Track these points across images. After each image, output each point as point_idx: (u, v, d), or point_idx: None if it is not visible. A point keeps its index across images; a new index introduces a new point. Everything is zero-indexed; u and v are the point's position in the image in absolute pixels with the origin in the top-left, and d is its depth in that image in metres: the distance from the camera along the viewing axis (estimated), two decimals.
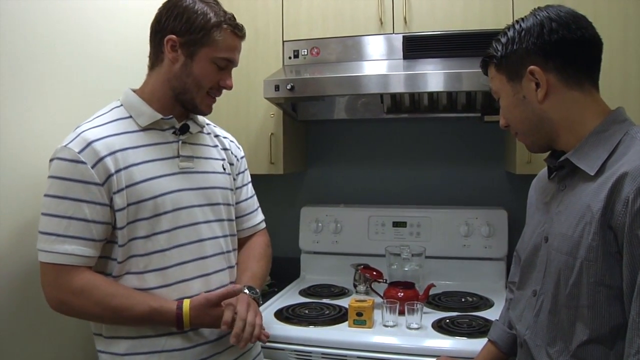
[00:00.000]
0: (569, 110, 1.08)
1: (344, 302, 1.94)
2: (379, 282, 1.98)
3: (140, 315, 1.26)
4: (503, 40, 1.12)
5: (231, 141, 1.59)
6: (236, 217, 1.54)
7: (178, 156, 1.37)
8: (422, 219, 2.26)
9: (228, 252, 1.45)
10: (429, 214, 2.26)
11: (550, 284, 1.09)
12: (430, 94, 2.14)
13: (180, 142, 1.38)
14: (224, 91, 1.43)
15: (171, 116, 1.37)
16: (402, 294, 1.84)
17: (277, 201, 2.49)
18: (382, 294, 1.90)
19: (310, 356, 1.66)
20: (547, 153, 1.20)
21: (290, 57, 2.15)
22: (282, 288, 2.20)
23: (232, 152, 1.56)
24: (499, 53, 1.13)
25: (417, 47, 2.02)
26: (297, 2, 2.14)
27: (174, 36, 1.31)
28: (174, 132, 1.38)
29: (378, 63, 2.06)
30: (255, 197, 1.64)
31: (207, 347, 1.35)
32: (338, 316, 1.83)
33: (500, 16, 1.93)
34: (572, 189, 1.09)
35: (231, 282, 1.43)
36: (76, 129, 1.30)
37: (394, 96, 2.19)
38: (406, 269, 2.07)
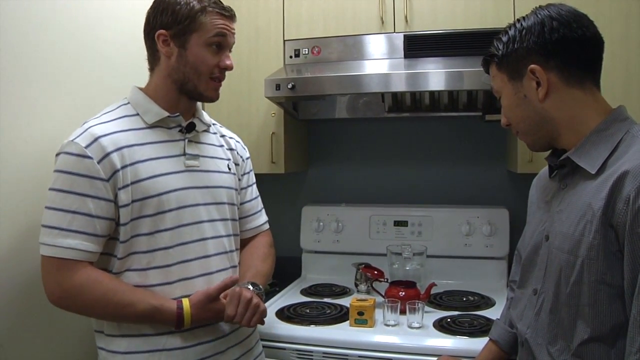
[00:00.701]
0: (570, 109, 1.08)
1: (345, 302, 1.94)
2: (380, 281, 1.98)
3: (141, 313, 1.26)
4: (504, 39, 1.12)
5: (237, 142, 1.59)
6: (240, 218, 1.54)
7: (184, 154, 1.37)
8: (424, 218, 2.26)
9: (231, 251, 1.45)
10: (431, 213, 2.26)
11: (551, 283, 1.09)
12: (432, 93, 2.14)
13: (186, 140, 1.39)
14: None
15: (178, 114, 1.37)
16: (403, 293, 1.84)
17: (278, 200, 2.49)
18: (383, 293, 1.90)
19: (312, 355, 1.66)
20: (549, 152, 1.20)
21: (291, 56, 2.15)
22: (283, 287, 2.20)
23: (237, 153, 1.56)
24: (500, 52, 1.13)
25: (418, 46, 2.02)
26: (298, 1, 2.14)
27: (163, 30, 1.33)
28: (180, 130, 1.39)
29: (379, 62, 2.06)
30: (259, 198, 1.65)
31: (208, 346, 1.35)
32: (339, 315, 1.83)
33: (501, 15, 1.92)
34: (573, 187, 1.09)
35: None
36: (83, 124, 1.31)
37: (395, 95, 2.19)
38: (407, 268, 2.07)
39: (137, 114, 1.36)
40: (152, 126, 1.35)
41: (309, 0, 2.13)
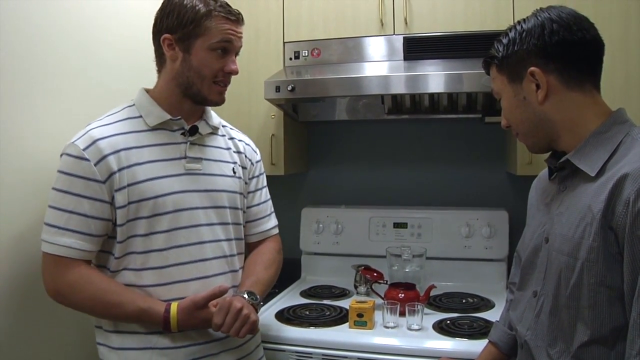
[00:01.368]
0: (569, 112, 1.08)
1: (344, 303, 1.94)
2: (380, 283, 1.98)
3: (129, 314, 1.29)
4: (504, 41, 1.12)
5: (247, 144, 1.57)
6: (247, 222, 1.54)
7: (185, 157, 1.37)
8: (423, 220, 2.26)
9: (231, 255, 1.44)
10: (430, 215, 2.26)
11: (551, 285, 1.09)
12: (431, 95, 2.14)
13: (188, 143, 1.38)
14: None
15: (179, 117, 1.37)
16: (402, 295, 1.84)
17: (278, 202, 2.45)
18: (382, 295, 1.90)
19: (311, 357, 1.66)
20: (548, 154, 1.20)
21: (291, 58, 2.16)
22: (283, 289, 2.19)
23: (246, 156, 1.54)
24: (500, 54, 1.13)
25: (417, 48, 2.02)
26: (298, 3, 2.14)
27: (168, 34, 1.33)
28: (182, 133, 1.39)
29: (379, 64, 2.06)
30: (270, 202, 1.63)
31: (199, 347, 1.35)
32: (339, 317, 1.83)
33: (501, 17, 1.93)
34: (573, 189, 1.09)
35: (233, 287, 1.43)
36: (86, 126, 1.33)
37: (394, 97, 2.19)
38: (407, 270, 2.07)
39: (140, 116, 1.36)
40: (154, 128, 1.36)
41: (308, 2, 2.13)
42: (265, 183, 1.62)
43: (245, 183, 1.53)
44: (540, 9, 1.11)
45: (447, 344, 1.62)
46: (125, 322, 1.32)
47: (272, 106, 2.15)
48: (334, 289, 2.20)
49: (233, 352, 1.41)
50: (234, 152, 1.51)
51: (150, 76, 1.43)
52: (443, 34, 2.01)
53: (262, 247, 1.58)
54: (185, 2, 1.33)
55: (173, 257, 1.33)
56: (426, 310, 1.83)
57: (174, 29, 1.32)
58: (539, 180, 1.30)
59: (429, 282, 1.96)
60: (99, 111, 1.40)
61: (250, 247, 1.55)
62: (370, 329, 1.72)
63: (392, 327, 1.73)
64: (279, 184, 2.43)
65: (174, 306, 1.29)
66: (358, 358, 1.62)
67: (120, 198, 1.28)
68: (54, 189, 1.28)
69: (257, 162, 1.59)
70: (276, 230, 1.64)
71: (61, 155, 1.29)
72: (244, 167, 1.52)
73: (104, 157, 1.27)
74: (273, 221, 1.63)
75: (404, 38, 2.03)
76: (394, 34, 2.05)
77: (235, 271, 1.46)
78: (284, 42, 2.16)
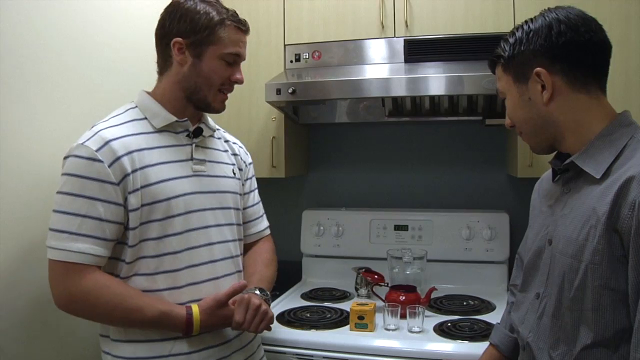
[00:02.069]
0: (574, 113, 1.08)
1: (345, 306, 1.94)
2: (381, 285, 1.98)
3: (149, 319, 1.25)
4: (511, 40, 1.12)
5: (240, 147, 1.59)
6: (243, 223, 1.54)
7: (191, 159, 1.37)
8: (424, 222, 2.26)
9: (237, 256, 1.46)
10: (431, 217, 2.26)
11: (554, 287, 1.09)
12: (432, 97, 2.14)
13: (193, 145, 1.39)
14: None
15: (186, 119, 1.37)
16: (403, 298, 1.84)
17: (279, 205, 2.49)
18: (383, 298, 1.90)
19: None
20: (551, 156, 1.20)
21: (291, 61, 2.16)
22: (283, 291, 2.19)
23: (241, 158, 1.56)
24: (506, 53, 1.12)
25: (418, 51, 2.03)
26: (299, 6, 2.14)
27: (180, 39, 1.32)
28: (187, 135, 1.39)
29: (379, 67, 2.06)
30: (260, 203, 1.65)
31: (213, 350, 1.34)
32: (339, 320, 1.82)
33: (501, 19, 1.93)
34: (577, 191, 1.09)
35: None
36: (92, 127, 1.29)
37: (395, 100, 2.19)
38: (408, 272, 2.07)
39: (145, 118, 1.35)
40: (159, 130, 1.35)
41: (309, 4, 2.13)
42: (256, 185, 1.64)
43: (242, 185, 1.55)
44: (548, 9, 1.11)
45: (448, 347, 1.62)
46: (143, 328, 1.27)
47: (273, 109, 2.15)
48: (334, 291, 2.19)
49: (241, 352, 1.42)
50: (231, 154, 1.53)
51: (149, 78, 1.43)
52: (443, 36, 2.01)
53: (258, 247, 1.59)
54: (197, 7, 1.32)
55: (186, 260, 1.32)
56: (427, 312, 1.83)
57: (186, 33, 1.31)
58: (542, 182, 1.30)
59: (430, 285, 1.96)
60: (98, 112, 1.39)
61: (245, 248, 1.55)
62: (371, 331, 1.72)
63: (392, 330, 1.73)
64: (280, 186, 2.44)
65: (195, 307, 1.28)
66: None
67: (133, 200, 1.26)
68: (61, 192, 1.23)
69: (250, 164, 1.61)
70: (269, 231, 1.66)
71: (66, 158, 1.25)
72: (240, 169, 1.54)
73: (118, 158, 1.24)
74: (266, 222, 1.65)
75: (404, 40, 2.04)
76: (394, 36, 2.05)
77: (240, 271, 1.47)
78: (284, 45, 2.16)
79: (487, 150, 2.35)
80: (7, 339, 1.37)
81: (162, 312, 1.25)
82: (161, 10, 1.37)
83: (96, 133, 1.26)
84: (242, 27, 1.37)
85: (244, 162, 1.58)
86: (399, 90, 1.91)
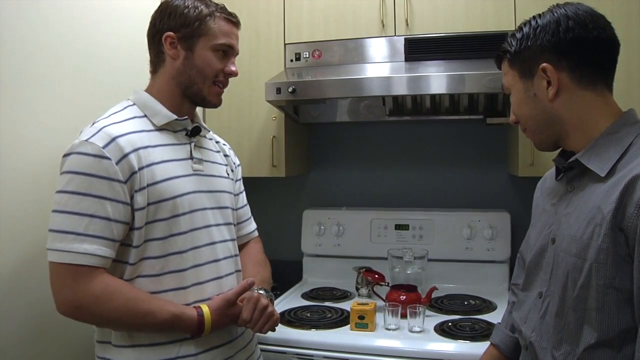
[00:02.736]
0: (579, 110, 1.07)
1: (346, 305, 1.94)
2: (381, 285, 1.97)
3: (161, 322, 1.22)
4: (518, 35, 1.11)
5: (230, 149, 1.60)
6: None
7: (191, 158, 1.37)
8: (425, 221, 2.25)
9: (236, 255, 1.46)
10: (432, 216, 2.26)
11: (557, 286, 1.08)
12: (433, 96, 2.13)
13: (192, 143, 1.38)
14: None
15: (186, 117, 1.37)
16: (404, 297, 1.84)
17: (279, 204, 2.49)
18: (384, 297, 1.89)
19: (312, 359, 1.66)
20: (555, 154, 1.19)
21: (292, 60, 2.15)
22: (284, 291, 2.19)
23: (232, 159, 1.57)
24: (513, 48, 1.11)
25: (419, 49, 2.02)
26: (299, 5, 2.14)
27: (171, 33, 1.32)
28: (186, 134, 1.38)
29: (380, 65, 2.06)
30: (248, 205, 1.65)
31: (218, 350, 1.34)
32: (340, 319, 1.82)
33: (502, 18, 1.93)
34: (582, 190, 1.08)
35: None
36: (93, 124, 1.25)
37: (396, 99, 2.19)
38: (408, 272, 2.06)
39: (145, 116, 1.33)
40: (159, 129, 1.33)
41: (309, 3, 2.13)
42: (243, 187, 1.64)
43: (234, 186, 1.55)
44: (557, 5, 1.10)
45: (448, 347, 1.61)
46: (154, 331, 1.25)
47: (273, 108, 2.14)
48: (335, 291, 2.19)
49: (244, 351, 1.42)
50: (223, 155, 1.53)
51: (149, 76, 1.42)
52: (444, 34, 2.00)
53: (249, 248, 1.59)
54: (186, 3, 1.33)
55: (191, 259, 1.30)
56: (428, 312, 1.83)
57: (177, 27, 1.32)
58: (545, 180, 1.29)
59: (431, 284, 1.95)
60: (98, 111, 1.37)
61: None
62: (371, 331, 1.71)
63: (393, 329, 1.72)
64: (280, 186, 2.44)
65: (205, 308, 1.27)
66: None
67: (140, 199, 1.22)
68: (64, 192, 1.17)
69: (238, 166, 1.61)
70: (257, 232, 1.66)
71: (68, 155, 1.20)
72: (232, 170, 1.54)
73: (125, 155, 1.20)
74: (254, 223, 1.66)
75: (405, 39, 2.03)
76: (395, 35, 2.04)
77: (240, 271, 1.47)
78: (284, 44, 2.16)
79: (488, 149, 2.34)
80: (8, 341, 1.36)
81: (174, 315, 1.22)
82: None
83: (101, 129, 1.22)
84: (232, 19, 1.38)
85: (234, 163, 1.58)
86: (400, 89, 1.90)
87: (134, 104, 1.35)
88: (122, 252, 1.24)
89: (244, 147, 2.14)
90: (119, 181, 1.19)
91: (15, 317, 1.39)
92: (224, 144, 1.58)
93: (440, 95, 2.10)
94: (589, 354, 1.00)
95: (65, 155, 1.21)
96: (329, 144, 2.52)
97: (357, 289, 2.11)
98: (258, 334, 1.47)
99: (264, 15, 2.17)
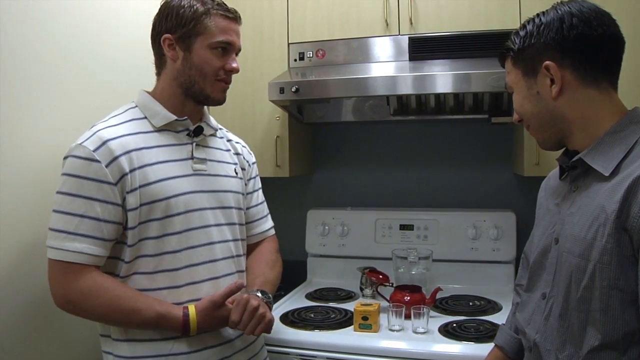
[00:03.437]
0: (583, 109, 1.06)
1: (350, 306, 1.93)
2: (386, 285, 1.97)
3: (147, 320, 1.25)
4: (521, 33, 1.10)
5: (243, 146, 1.59)
6: (246, 223, 1.54)
7: (192, 158, 1.37)
8: (430, 221, 2.24)
9: (238, 256, 1.45)
10: (436, 216, 2.24)
11: (561, 287, 1.07)
12: (437, 95, 2.12)
13: (194, 144, 1.39)
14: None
15: (185, 117, 1.37)
16: (408, 298, 1.83)
17: (284, 204, 2.49)
18: (388, 298, 1.88)
19: None
20: (559, 153, 1.18)
21: (295, 60, 2.15)
22: (288, 291, 2.19)
23: (244, 157, 1.56)
24: (517, 46, 1.10)
25: (423, 49, 2.01)
26: (303, 5, 2.13)
27: (168, 34, 1.33)
28: (187, 134, 1.39)
29: (384, 65, 2.05)
30: (265, 203, 1.64)
31: (214, 350, 1.34)
32: (343, 320, 1.81)
33: (506, 17, 1.92)
34: (585, 189, 1.07)
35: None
36: (91, 127, 1.30)
37: (400, 98, 2.18)
38: (413, 272, 2.05)
39: (145, 117, 1.36)
40: (159, 130, 1.35)
41: (313, 3, 2.12)
42: (260, 185, 1.63)
43: (245, 184, 1.54)
44: (561, 2, 1.09)
45: (453, 348, 1.60)
46: (141, 329, 1.28)
47: (277, 108, 2.14)
48: (339, 291, 2.19)
49: (243, 352, 1.42)
50: (234, 153, 1.53)
51: (152, 77, 1.43)
52: (448, 33, 1.99)
53: (261, 247, 1.59)
54: (182, 2, 1.34)
55: (185, 259, 1.32)
56: (432, 313, 1.82)
57: (173, 28, 1.33)
58: (549, 180, 1.28)
59: (435, 285, 1.94)
60: (100, 112, 1.39)
61: (248, 248, 1.55)
62: (375, 332, 1.70)
63: (397, 330, 1.71)
64: (284, 186, 2.43)
65: (191, 308, 1.28)
66: None
67: (131, 200, 1.26)
68: (60, 192, 1.24)
69: (253, 163, 1.61)
70: (273, 231, 1.65)
71: (65, 158, 1.26)
72: (242, 169, 1.54)
73: (115, 158, 1.25)
74: (270, 222, 1.65)
75: (409, 38, 2.02)
76: (399, 34, 2.04)
77: (242, 271, 1.47)
78: (288, 44, 2.15)
79: (493, 148, 2.33)
80: (9, 338, 1.37)
81: (159, 314, 1.25)
82: None
83: (94, 133, 1.27)
84: (229, 14, 1.37)
85: (247, 161, 1.57)
86: (405, 89, 1.89)
87: (136, 105, 1.38)
88: (118, 250, 1.29)
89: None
90: (108, 183, 1.24)
91: (16, 312, 1.39)
92: (236, 142, 1.57)
93: (445, 94, 2.09)
94: (593, 356, 0.99)
95: (64, 158, 1.27)
96: (333, 143, 2.52)
97: (362, 290, 2.10)
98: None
99: (268, 14, 2.17)
